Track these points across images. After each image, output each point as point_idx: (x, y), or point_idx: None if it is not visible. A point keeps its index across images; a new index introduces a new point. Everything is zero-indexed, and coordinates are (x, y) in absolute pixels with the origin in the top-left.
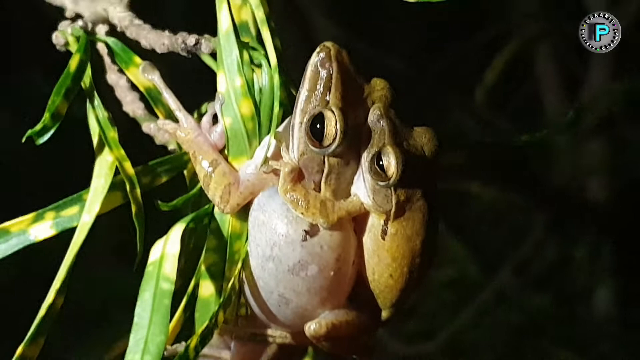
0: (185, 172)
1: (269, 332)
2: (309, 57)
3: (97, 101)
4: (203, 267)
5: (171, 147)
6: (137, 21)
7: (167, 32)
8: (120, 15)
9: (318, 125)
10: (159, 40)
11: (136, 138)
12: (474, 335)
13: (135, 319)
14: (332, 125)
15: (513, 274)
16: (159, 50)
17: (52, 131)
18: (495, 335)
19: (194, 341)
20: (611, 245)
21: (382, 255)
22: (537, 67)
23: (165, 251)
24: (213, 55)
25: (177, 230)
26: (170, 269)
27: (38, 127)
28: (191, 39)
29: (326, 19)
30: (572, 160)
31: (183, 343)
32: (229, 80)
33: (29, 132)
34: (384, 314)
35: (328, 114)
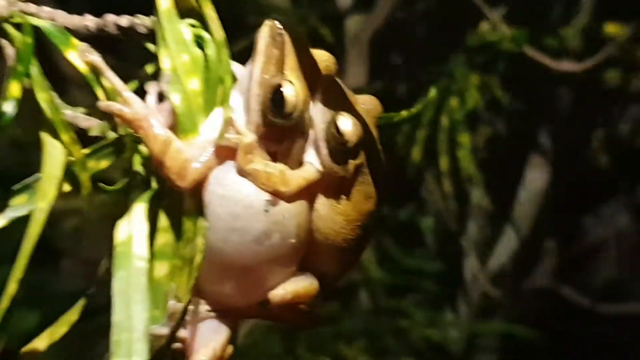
0: (125, 154)
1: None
2: None
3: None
4: (156, 248)
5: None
6: (47, 8)
7: (88, 16)
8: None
9: (276, 96)
10: (81, 23)
11: None
12: None
13: (115, 298)
14: (292, 95)
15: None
16: (82, 34)
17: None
18: None
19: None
20: None
21: (337, 219)
22: None
23: (132, 231)
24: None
25: (138, 209)
26: (141, 248)
27: None
28: (123, 20)
29: None
30: None
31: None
32: (175, 56)
33: None
34: (334, 279)
35: (287, 84)
